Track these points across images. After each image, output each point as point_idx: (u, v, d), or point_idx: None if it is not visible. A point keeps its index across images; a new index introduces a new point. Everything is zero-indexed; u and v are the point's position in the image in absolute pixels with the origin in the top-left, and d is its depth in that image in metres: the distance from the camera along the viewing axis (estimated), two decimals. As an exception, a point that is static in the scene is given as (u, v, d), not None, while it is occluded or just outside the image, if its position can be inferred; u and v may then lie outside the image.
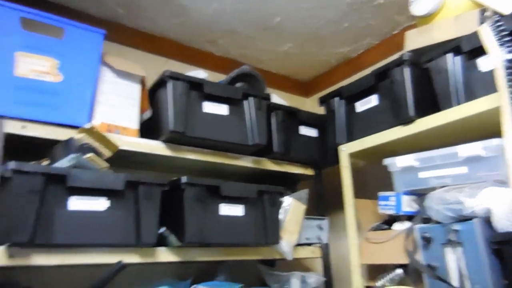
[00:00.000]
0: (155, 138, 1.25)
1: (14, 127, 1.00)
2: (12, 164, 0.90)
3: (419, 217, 1.12)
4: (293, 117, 1.53)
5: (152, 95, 1.32)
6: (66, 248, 0.96)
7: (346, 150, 1.39)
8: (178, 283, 1.21)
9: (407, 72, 1.20)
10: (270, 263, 1.54)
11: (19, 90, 1.03)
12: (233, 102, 1.35)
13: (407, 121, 1.19)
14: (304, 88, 2.19)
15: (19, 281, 0.93)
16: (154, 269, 1.39)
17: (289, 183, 1.65)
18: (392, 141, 1.25)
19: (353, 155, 1.38)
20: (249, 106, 1.38)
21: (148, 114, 1.30)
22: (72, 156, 0.98)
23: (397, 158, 1.21)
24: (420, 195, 1.18)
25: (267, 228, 1.30)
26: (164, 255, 1.12)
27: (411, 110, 1.18)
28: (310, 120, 1.58)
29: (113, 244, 1.02)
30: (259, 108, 1.39)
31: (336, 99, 1.44)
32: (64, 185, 0.96)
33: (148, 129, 1.28)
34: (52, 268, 1.05)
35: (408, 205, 1.19)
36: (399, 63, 1.22)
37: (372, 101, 1.33)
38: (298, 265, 1.72)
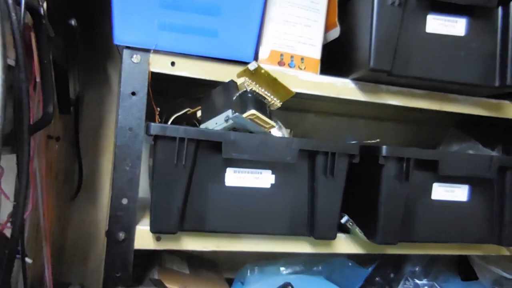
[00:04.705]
0: (340, 70, 0.85)
1: (162, 65, 0.75)
2: (155, 128, 0.67)
3: None
4: None
5: (344, 4, 0.88)
6: (221, 233, 0.75)
7: None
8: (356, 269, 0.92)
9: None
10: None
11: (168, 9, 0.74)
12: (478, 12, 0.81)
13: None
14: None
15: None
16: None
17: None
18: None
19: None
20: (506, 17, 0.81)
21: (335, 33, 0.89)
22: (228, 115, 0.70)
23: None
24: None
25: (504, 222, 0.84)
26: (345, 245, 0.83)
27: None
28: None
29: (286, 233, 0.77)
30: (527, 23, 0.81)
31: None
32: (219, 154, 0.70)
33: (331, 55, 0.88)
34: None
35: None
36: None
37: None
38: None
